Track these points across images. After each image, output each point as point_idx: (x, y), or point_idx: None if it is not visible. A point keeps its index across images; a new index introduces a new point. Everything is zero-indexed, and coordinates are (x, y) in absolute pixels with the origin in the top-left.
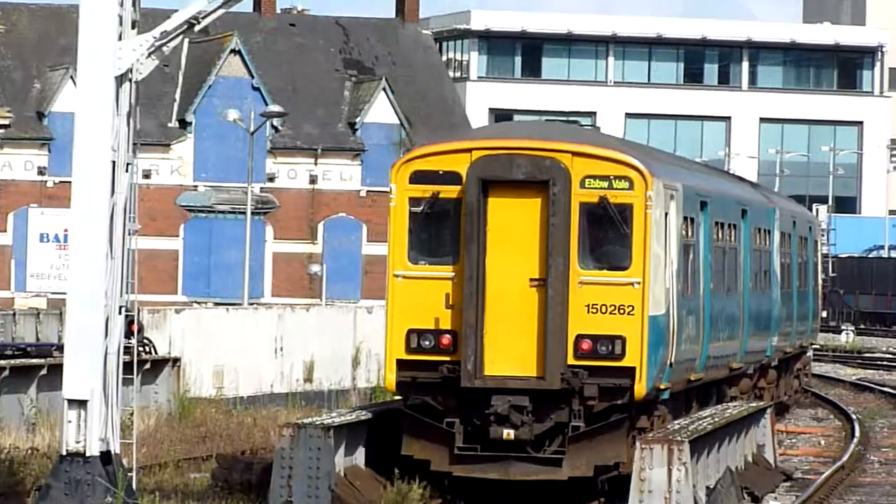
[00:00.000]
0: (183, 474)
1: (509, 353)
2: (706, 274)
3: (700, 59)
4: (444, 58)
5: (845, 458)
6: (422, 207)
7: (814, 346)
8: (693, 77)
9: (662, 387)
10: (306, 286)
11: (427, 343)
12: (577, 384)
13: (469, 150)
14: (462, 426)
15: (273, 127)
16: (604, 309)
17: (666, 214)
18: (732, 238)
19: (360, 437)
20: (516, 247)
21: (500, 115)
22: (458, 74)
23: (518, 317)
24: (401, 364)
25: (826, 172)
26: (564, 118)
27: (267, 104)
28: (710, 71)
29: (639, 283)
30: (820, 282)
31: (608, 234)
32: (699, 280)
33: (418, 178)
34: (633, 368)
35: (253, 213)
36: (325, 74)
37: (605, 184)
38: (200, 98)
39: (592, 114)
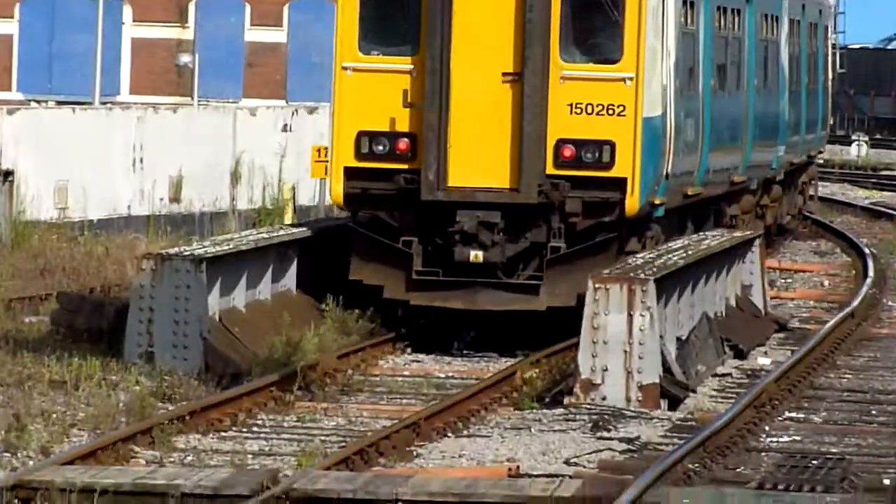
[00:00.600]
0: (15, 317)
1: (478, 160)
2: (707, 69)
3: None
4: None
5: (856, 302)
6: None
7: (819, 158)
8: None
9: (657, 202)
10: (174, 81)
11: (381, 148)
12: (558, 197)
13: None
14: (421, 246)
15: None
16: (590, 109)
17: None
18: (736, 26)
19: (239, 271)
20: (487, 35)
21: None
22: None
23: (488, 118)
24: (349, 172)
25: None
26: None
27: None
28: None
29: (631, 78)
30: (830, 78)
31: (595, 22)
32: (699, 77)
33: None
34: (624, 179)
35: None
36: None
37: None
38: None
39: None
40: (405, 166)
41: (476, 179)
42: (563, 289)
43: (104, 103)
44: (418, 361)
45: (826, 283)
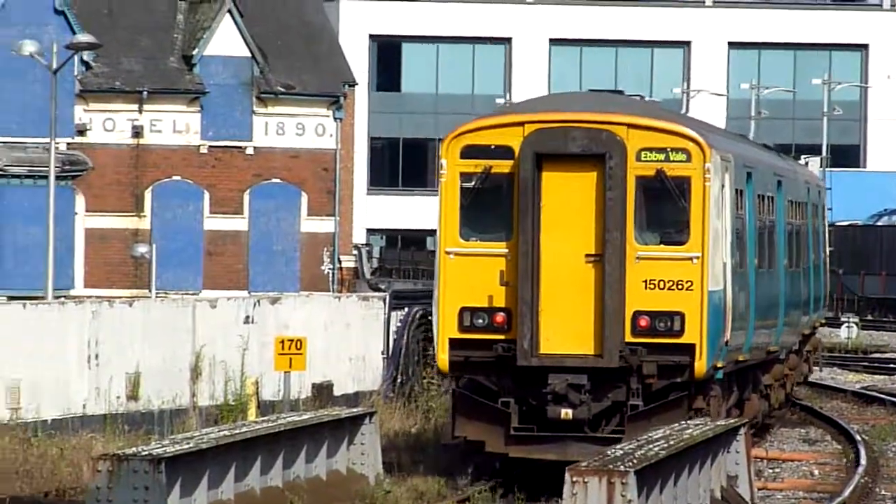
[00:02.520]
0: None
1: (565, 330)
2: (752, 250)
3: None
4: None
5: (847, 492)
6: (473, 182)
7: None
8: None
9: (719, 365)
10: (130, 273)
11: (480, 321)
12: (636, 362)
13: (522, 124)
14: (517, 406)
15: (83, 63)
16: (662, 284)
17: (722, 187)
18: (771, 211)
19: (201, 470)
20: (571, 222)
21: (385, 43)
22: None
23: (574, 294)
24: (453, 343)
25: (819, 114)
26: (474, 42)
27: (74, 33)
28: None
29: (698, 257)
30: (827, 254)
31: (665, 208)
32: (747, 256)
33: (469, 152)
34: (693, 345)
35: (58, 178)
36: None
37: (662, 156)
38: None
39: (507, 40)
40: (502, 336)
41: (564, 347)
42: None
43: (57, 297)
44: None
45: (816, 472)
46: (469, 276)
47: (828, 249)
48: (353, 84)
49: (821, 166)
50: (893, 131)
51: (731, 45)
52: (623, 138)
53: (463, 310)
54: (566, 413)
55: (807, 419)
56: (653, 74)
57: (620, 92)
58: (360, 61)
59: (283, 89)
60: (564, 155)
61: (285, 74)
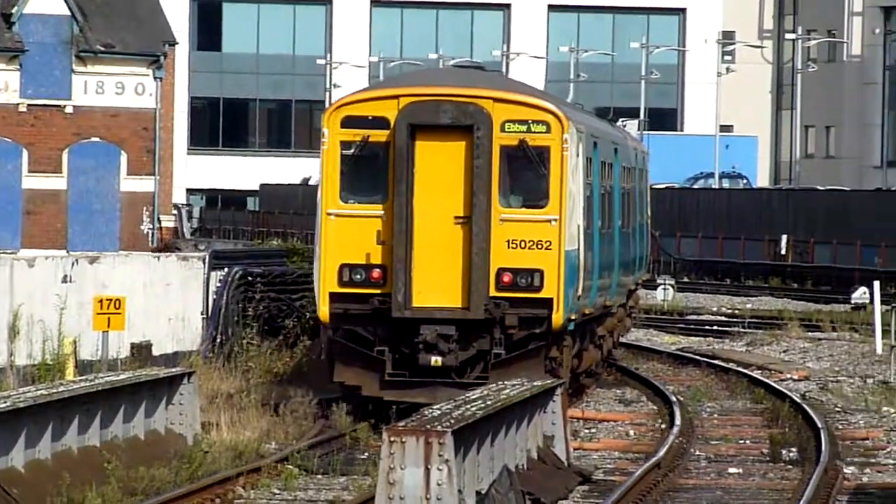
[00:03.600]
0: None
1: (436, 285)
2: (596, 213)
3: None
4: None
5: (662, 452)
6: (353, 150)
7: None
8: None
9: (572, 318)
10: None
11: (358, 277)
12: (499, 314)
13: (397, 97)
14: (391, 354)
15: None
16: (523, 244)
17: (577, 156)
18: (610, 177)
19: (18, 429)
20: (442, 187)
21: (205, 2)
22: None
23: (444, 252)
24: (333, 297)
25: (637, 77)
26: (295, 2)
27: None
28: None
29: (556, 220)
30: (648, 216)
31: (527, 175)
32: (594, 218)
33: (349, 122)
34: (551, 299)
35: None
36: None
37: (524, 127)
38: None
39: (328, 1)
40: (378, 291)
41: (435, 300)
42: None
43: None
44: None
45: (632, 432)
46: (348, 236)
47: (649, 212)
48: (173, 43)
49: (639, 129)
50: (710, 95)
51: (551, 7)
52: (489, 111)
53: (342, 266)
54: (436, 360)
55: (623, 380)
56: (473, 37)
57: (481, 67)
58: (180, 21)
59: (102, 48)
60: (436, 126)
61: (105, 33)
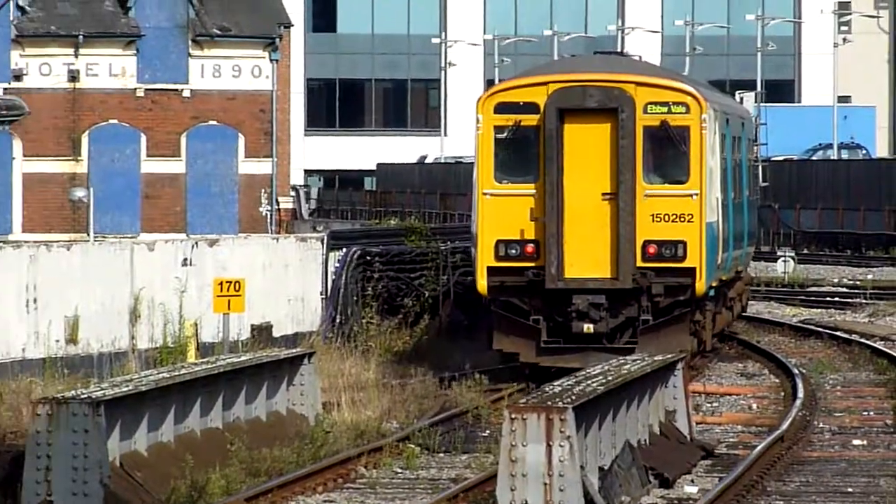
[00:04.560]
0: None
1: (586, 258)
2: (729, 185)
3: None
4: None
5: (785, 426)
6: (505, 134)
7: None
8: None
9: (714, 285)
10: (68, 217)
11: (514, 251)
12: (646, 283)
13: (546, 84)
14: (546, 323)
15: (19, 8)
16: (667, 218)
17: (714, 133)
18: (738, 150)
19: (140, 413)
20: (589, 166)
21: None
22: None
23: (593, 226)
24: (491, 270)
25: (753, 49)
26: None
27: None
28: None
29: (696, 194)
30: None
31: (669, 153)
32: (728, 191)
33: (502, 108)
34: (694, 269)
35: None
36: None
37: (665, 109)
38: None
39: None
40: (532, 264)
41: (585, 272)
42: (652, 350)
43: None
44: (330, 501)
45: (754, 406)
46: (503, 213)
47: (763, 184)
48: (288, 25)
49: (756, 101)
50: (827, 66)
51: None
52: (632, 94)
53: (498, 242)
54: (588, 328)
55: (744, 353)
56: (587, 12)
57: (621, 53)
58: (295, 2)
59: (218, 31)
60: (583, 109)
61: (221, 16)
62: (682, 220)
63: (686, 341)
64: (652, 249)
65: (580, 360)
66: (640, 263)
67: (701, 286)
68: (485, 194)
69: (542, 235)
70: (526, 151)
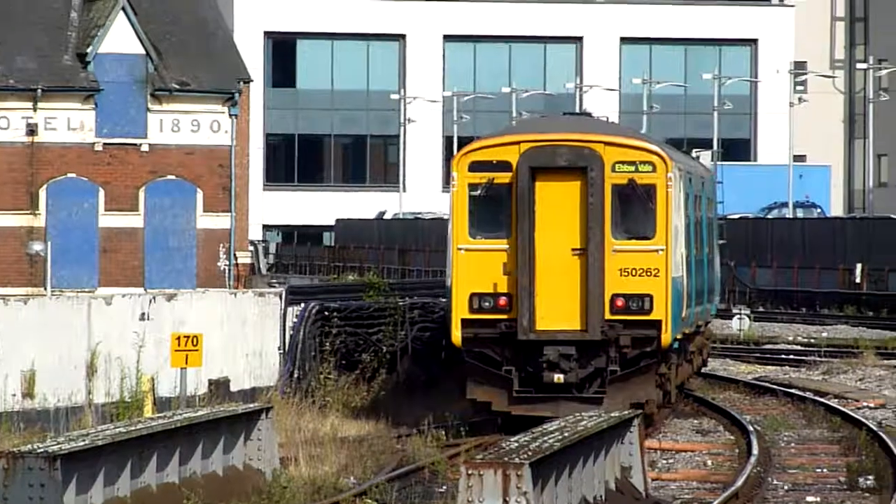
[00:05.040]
0: None
1: (557, 310)
2: (692, 241)
3: None
4: None
5: (740, 482)
6: (479, 191)
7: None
8: None
9: (678, 337)
10: (25, 271)
11: (487, 304)
12: (614, 335)
13: (518, 143)
14: (518, 373)
15: None
16: (634, 272)
17: (678, 191)
18: (698, 208)
19: (97, 467)
20: (560, 222)
21: (280, 40)
22: None
23: (563, 280)
24: (465, 322)
25: (710, 108)
26: (369, 38)
27: None
28: None
29: (662, 249)
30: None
31: (636, 210)
32: (690, 247)
33: (475, 167)
34: (660, 321)
35: None
36: None
37: (633, 168)
38: None
39: (401, 36)
40: (505, 316)
41: (556, 324)
42: (619, 399)
43: None
44: None
45: (709, 462)
46: (477, 268)
47: (719, 242)
48: (248, 80)
49: (712, 160)
50: (782, 125)
51: (623, 40)
52: (601, 154)
53: (472, 295)
54: (558, 378)
55: (700, 410)
56: (546, 69)
57: (589, 114)
58: (255, 58)
59: (177, 86)
60: (554, 168)
61: (180, 71)
62: (649, 274)
63: (652, 391)
64: (620, 302)
65: (551, 409)
66: (608, 316)
67: (667, 338)
68: (459, 249)
69: (514, 289)
70: (499, 208)
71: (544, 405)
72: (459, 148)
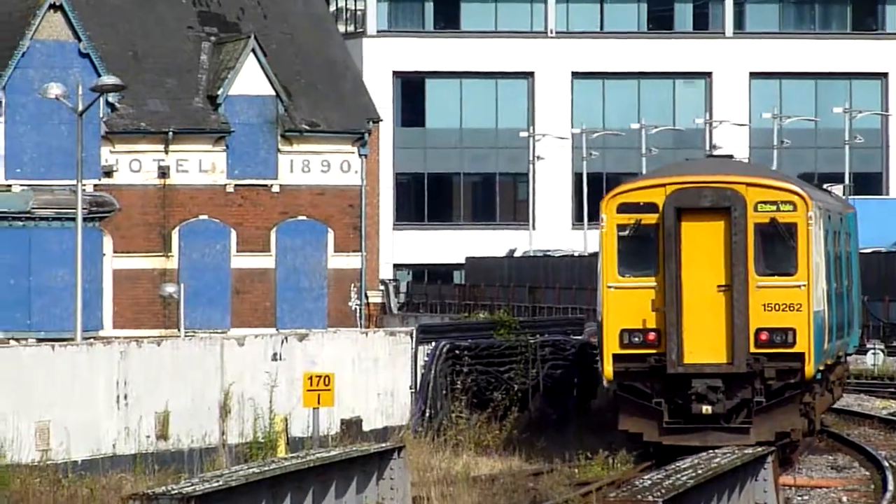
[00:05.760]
0: None
1: (703, 344)
2: (832, 276)
3: None
4: (333, 7)
5: None
6: (627, 231)
7: None
8: (660, 22)
9: (821, 368)
10: (159, 313)
11: (637, 339)
12: (759, 368)
13: (664, 185)
14: (667, 405)
15: (109, 105)
16: (777, 307)
17: (819, 229)
18: (838, 244)
19: None
20: (705, 260)
21: (409, 80)
22: (350, 28)
23: (709, 315)
24: (616, 357)
25: (841, 142)
26: (497, 76)
27: (99, 75)
28: (683, 13)
29: (804, 285)
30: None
31: (778, 248)
32: (831, 281)
33: (623, 208)
34: (803, 354)
35: (85, 220)
36: (174, 33)
37: (774, 207)
38: (11, 70)
39: (530, 74)
40: (654, 351)
41: (703, 357)
42: (766, 429)
43: (86, 338)
44: None
45: (844, 498)
46: (626, 305)
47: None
48: (377, 120)
49: (844, 194)
50: None
51: (752, 75)
52: (743, 194)
53: (622, 331)
54: (706, 409)
55: (834, 446)
56: (675, 105)
57: (731, 156)
58: (384, 97)
59: (307, 127)
60: (698, 208)
61: (309, 112)
62: (792, 309)
63: (797, 421)
64: (764, 336)
65: (700, 439)
66: (753, 349)
67: (810, 370)
68: (609, 287)
69: (662, 324)
70: (646, 247)
71: (693, 435)
72: (589, 185)
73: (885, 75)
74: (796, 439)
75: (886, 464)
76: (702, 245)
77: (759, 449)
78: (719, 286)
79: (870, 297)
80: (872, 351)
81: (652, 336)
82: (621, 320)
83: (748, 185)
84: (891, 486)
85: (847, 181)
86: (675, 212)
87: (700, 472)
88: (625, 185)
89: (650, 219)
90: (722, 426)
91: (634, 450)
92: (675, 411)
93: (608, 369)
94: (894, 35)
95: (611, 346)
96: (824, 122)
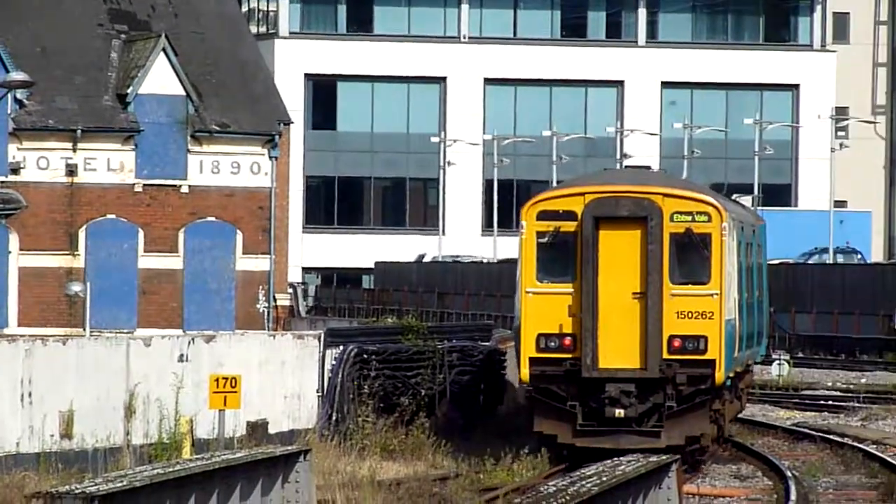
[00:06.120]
0: None
1: (618, 350)
2: (743, 286)
3: (583, 6)
4: (245, 8)
5: None
6: (546, 239)
7: None
8: (574, 30)
9: (731, 375)
10: (65, 311)
11: (553, 344)
12: (671, 373)
13: (583, 194)
14: (581, 408)
15: (17, 101)
16: (690, 315)
17: (732, 240)
18: (748, 255)
19: None
20: (621, 268)
21: (320, 82)
22: (262, 29)
23: (624, 322)
24: (532, 361)
25: (750, 153)
26: (409, 81)
27: (8, 71)
28: (596, 21)
29: (717, 294)
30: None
31: (692, 257)
32: (742, 291)
33: (543, 215)
34: (714, 360)
35: None
36: (84, 30)
37: (690, 218)
38: None
39: (442, 79)
40: (570, 355)
41: (617, 362)
42: (676, 433)
43: None
44: None
45: None
46: (543, 310)
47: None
48: (288, 122)
49: (753, 205)
50: (823, 171)
51: (664, 84)
52: (660, 205)
53: (539, 335)
54: (619, 412)
55: (738, 455)
56: (586, 113)
57: (648, 167)
58: (295, 100)
59: (217, 128)
60: (616, 217)
61: (220, 113)
62: (704, 317)
63: (707, 426)
64: (677, 343)
65: (612, 442)
66: (665, 355)
67: (720, 377)
68: (527, 292)
69: (578, 329)
70: (564, 254)
71: (606, 438)
72: (499, 192)
73: (796, 87)
74: (706, 444)
75: (789, 474)
76: (618, 253)
77: (664, 457)
78: (634, 293)
79: (777, 308)
80: (778, 361)
81: (568, 341)
82: (538, 325)
83: (665, 195)
84: (793, 496)
85: (756, 192)
86: (594, 220)
87: (605, 479)
88: (545, 193)
89: (569, 226)
90: (634, 429)
91: (547, 453)
92: (588, 414)
93: (525, 372)
94: (806, 47)
95: (528, 350)
96: (734, 133)
